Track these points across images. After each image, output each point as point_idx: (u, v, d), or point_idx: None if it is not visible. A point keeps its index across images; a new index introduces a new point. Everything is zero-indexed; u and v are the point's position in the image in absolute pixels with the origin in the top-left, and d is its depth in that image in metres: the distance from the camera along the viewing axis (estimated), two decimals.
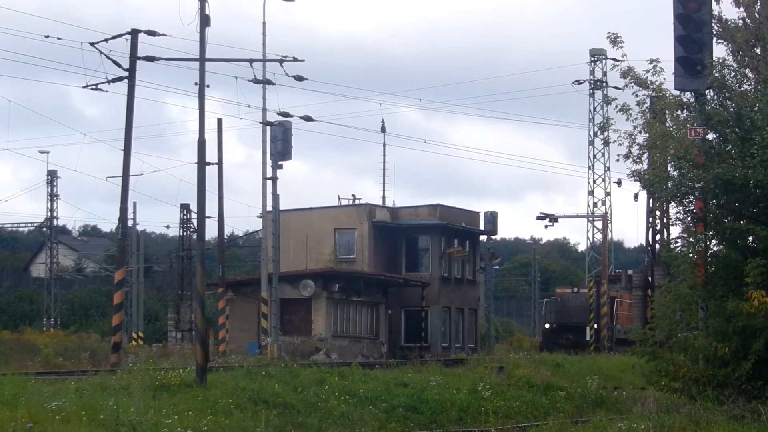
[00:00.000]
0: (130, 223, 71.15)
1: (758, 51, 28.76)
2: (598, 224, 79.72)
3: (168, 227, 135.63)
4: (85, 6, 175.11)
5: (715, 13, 27.18)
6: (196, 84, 31.13)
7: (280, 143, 49.03)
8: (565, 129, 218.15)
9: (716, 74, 24.39)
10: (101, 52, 40.58)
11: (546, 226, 73.85)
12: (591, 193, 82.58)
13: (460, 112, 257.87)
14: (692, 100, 25.47)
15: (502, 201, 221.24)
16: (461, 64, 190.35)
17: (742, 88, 24.90)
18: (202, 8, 30.30)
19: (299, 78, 47.82)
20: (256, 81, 48.25)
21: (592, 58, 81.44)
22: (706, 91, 24.87)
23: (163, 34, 40.52)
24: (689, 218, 25.23)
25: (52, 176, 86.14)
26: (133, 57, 40.65)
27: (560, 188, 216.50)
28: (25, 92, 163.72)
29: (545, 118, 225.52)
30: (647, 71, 25.86)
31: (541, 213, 73.66)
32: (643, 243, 57.94)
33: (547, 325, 67.58)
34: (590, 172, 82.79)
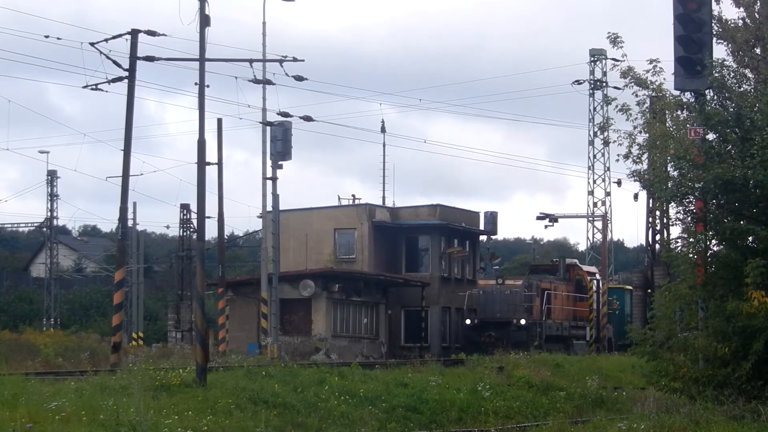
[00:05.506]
0: (130, 223, 71.17)
1: (758, 51, 28.80)
2: (598, 224, 79.86)
3: (168, 227, 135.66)
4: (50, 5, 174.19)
5: (715, 13, 27.22)
6: (196, 84, 31.18)
7: (279, 143, 49.05)
8: (552, 128, 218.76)
9: (716, 74, 24.39)
10: (101, 52, 40.63)
11: (546, 226, 74.02)
12: (591, 193, 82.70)
13: (440, 110, 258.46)
14: (692, 100, 25.47)
15: (490, 200, 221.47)
16: (440, 64, 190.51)
17: (742, 88, 24.91)
18: (202, 8, 30.31)
19: (299, 78, 47.88)
20: (255, 81, 48.27)
21: (592, 58, 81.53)
22: (706, 91, 24.88)
23: (164, 34, 40.58)
24: (689, 218, 25.23)
25: (51, 176, 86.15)
26: (133, 57, 40.65)
27: (549, 188, 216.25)
28: (5, 90, 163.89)
29: (529, 117, 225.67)
30: (647, 71, 25.88)
31: (541, 213, 73.82)
32: (643, 243, 57.95)
33: (468, 321, 59.53)
34: (590, 172, 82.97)
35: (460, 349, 56.03)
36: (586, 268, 67.71)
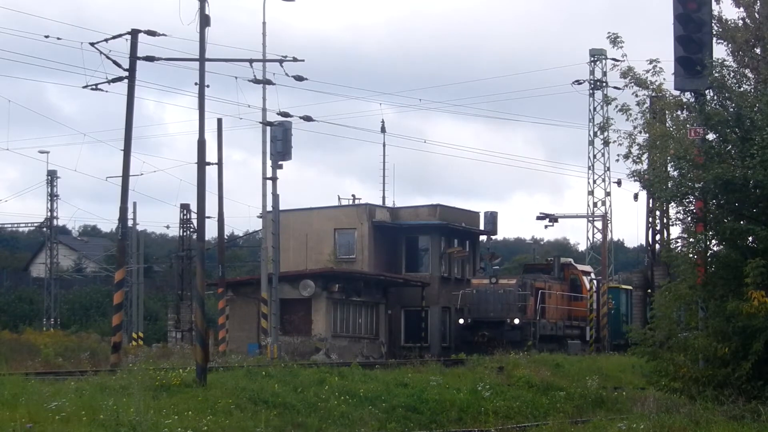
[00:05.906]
0: (130, 223, 71.18)
1: (758, 51, 28.80)
2: (598, 224, 79.84)
3: (168, 227, 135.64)
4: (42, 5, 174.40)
5: (715, 13, 27.23)
6: (195, 84, 31.19)
7: (279, 143, 49.06)
8: (552, 128, 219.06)
9: (716, 74, 24.39)
10: (101, 52, 40.64)
11: (546, 226, 73.99)
12: (591, 193, 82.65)
13: (440, 110, 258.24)
14: (692, 100, 25.48)
15: (489, 200, 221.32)
16: (439, 64, 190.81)
17: (742, 88, 24.92)
18: (202, 8, 30.31)
19: (299, 78, 47.89)
20: (255, 81, 48.27)
21: (592, 58, 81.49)
22: (706, 91, 24.88)
23: (163, 34, 40.60)
24: (689, 218, 25.24)
25: (51, 176, 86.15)
26: (133, 57, 40.66)
27: (549, 188, 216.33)
28: (5, 90, 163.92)
29: (529, 117, 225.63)
30: (647, 71, 25.90)
31: (541, 213, 73.77)
32: (643, 243, 57.95)
33: (461, 321, 58.79)
34: (590, 172, 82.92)
35: (459, 349, 55.96)
36: (581, 267, 67.51)
